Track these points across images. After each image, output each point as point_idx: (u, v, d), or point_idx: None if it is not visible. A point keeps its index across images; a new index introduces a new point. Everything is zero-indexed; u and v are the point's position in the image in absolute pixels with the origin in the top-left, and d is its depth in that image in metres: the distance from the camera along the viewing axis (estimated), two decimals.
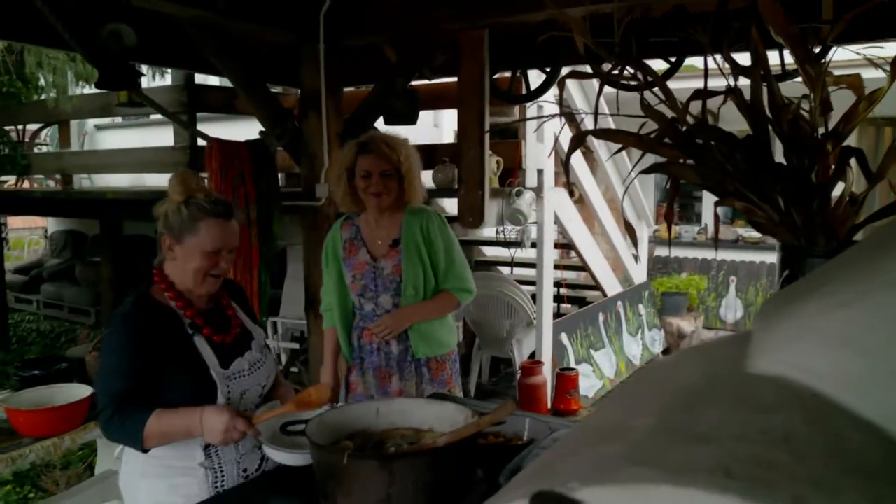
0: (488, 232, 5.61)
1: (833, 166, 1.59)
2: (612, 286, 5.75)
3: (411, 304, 2.43)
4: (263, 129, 3.70)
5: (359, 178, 2.40)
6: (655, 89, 1.74)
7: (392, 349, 2.46)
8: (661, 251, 7.67)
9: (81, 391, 2.29)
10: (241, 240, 3.47)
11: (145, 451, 1.59)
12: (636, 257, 6.35)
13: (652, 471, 0.68)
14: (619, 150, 1.90)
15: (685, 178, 1.78)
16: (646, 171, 1.86)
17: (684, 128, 1.72)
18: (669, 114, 1.74)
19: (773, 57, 2.25)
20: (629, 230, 1.83)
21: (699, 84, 1.74)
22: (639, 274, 6.41)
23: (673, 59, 2.89)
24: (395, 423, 1.54)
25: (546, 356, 4.40)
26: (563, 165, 1.98)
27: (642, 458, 0.73)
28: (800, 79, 1.58)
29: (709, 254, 7.73)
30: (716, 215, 1.78)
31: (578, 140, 1.90)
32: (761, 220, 1.67)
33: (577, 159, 4.94)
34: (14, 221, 12.94)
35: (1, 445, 2.13)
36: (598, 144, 4.94)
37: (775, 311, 1.06)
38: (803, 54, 1.57)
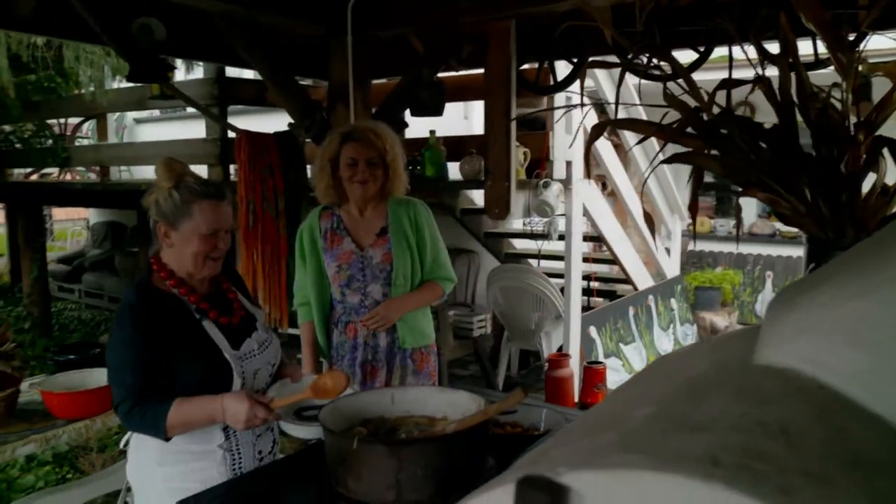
0: (518, 224, 5.60)
1: (864, 156, 1.55)
2: (643, 280, 5.69)
3: (401, 295, 2.40)
4: (292, 121, 3.74)
5: (344, 167, 2.35)
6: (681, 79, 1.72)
7: (380, 342, 2.42)
8: (697, 245, 7.55)
9: None
10: (269, 231, 3.58)
11: (167, 439, 1.61)
12: (668, 251, 6.27)
13: (639, 457, 0.68)
14: (642, 141, 1.88)
15: (708, 169, 1.76)
16: (666, 161, 1.84)
17: (708, 117, 1.70)
18: (694, 103, 1.71)
19: (807, 45, 2.19)
20: (648, 221, 1.81)
21: (725, 74, 1.71)
22: (672, 268, 6.33)
23: (702, 49, 2.83)
24: (409, 411, 1.55)
25: (574, 349, 4.37)
26: (584, 156, 1.96)
27: (633, 445, 0.73)
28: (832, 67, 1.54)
29: (745, 248, 7.58)
30: (738, 206, 1.75)
31: (599, 130, 1.88)
32: (786, 211, 1.64)
33: (609, 152, 4.89)
34: (58, 213, 13.35)
35: (36, 426, 2.21)
36: (629, 137, 4.88)
37: (785, 303, 1.04)
38: (835, 41, 1.53)
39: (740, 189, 1.68)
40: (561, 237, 4.28)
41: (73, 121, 7.69)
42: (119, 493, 2.55)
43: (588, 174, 1.88)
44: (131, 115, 10.31)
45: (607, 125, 1.86)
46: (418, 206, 2.47)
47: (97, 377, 2.33)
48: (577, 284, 4.38)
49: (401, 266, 2.38)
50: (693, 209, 1.87)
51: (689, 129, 1.72)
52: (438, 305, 4.61)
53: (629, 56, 1.81)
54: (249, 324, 1.81)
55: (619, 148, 5.19)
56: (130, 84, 4.37)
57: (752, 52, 1.71)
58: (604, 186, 5.98)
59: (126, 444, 1.82)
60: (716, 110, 1.66)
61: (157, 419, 1.56)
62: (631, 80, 1.97)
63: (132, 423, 1.61)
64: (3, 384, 2.23)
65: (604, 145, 4.74)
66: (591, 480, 0.69)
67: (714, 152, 1.71)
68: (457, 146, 4.47)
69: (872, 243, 1.07)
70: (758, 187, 1.66)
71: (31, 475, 3.60)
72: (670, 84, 1.78)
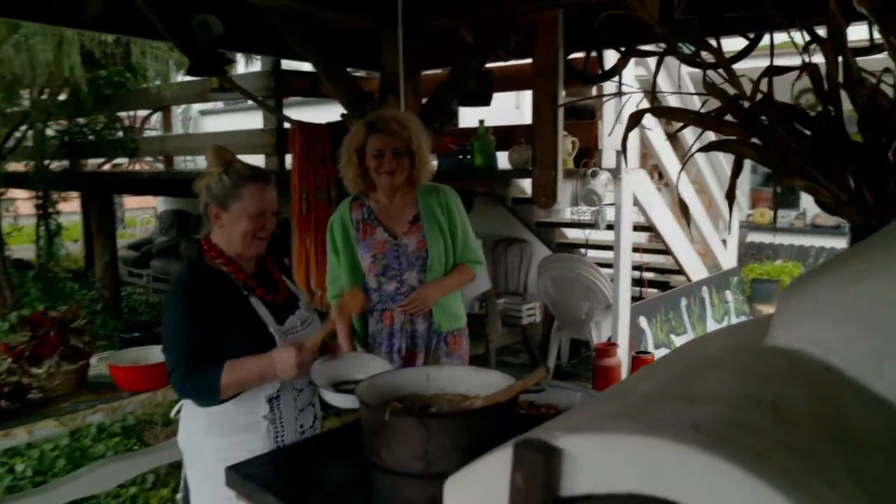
0: (569, 213, 5.59)
1: None
2: (697, 271, 5.60)
3: (436, 280, 2.44)
4: (345, 111, 3.85)
5: (370, 158, 2.38)
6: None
7: (417, 327, 2.46)
8: (757, 237, 7.36)
9: None
10: (321, 218, 3.70)
11: (221, 401, 1.72)
12: (725, 242, 6.15)
13: (628, 423, 0.73)
14: (680, 130, 1.89)
15: (745, 156, 1.76)
16: (703, 150, 1.85)
17: (748, 105, 1.70)
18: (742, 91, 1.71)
19: (862, 30, 2.15)
20: (683, 209, 1.82)
21: (781, 62, 1.70)
22: (728, 260, 6.20)
23: (752, 36, 2.79)
24: (443, 389, 1.62)
25: (622, 339, 4.36)
26: (622, 144, 1.98)
27: (627, 414, 0.78)
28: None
29: (807, 240, 7.35)
30: (775, 193, 1.75)
31: (636, 119, 1.90)
32: (827, 199, 1.62)
33: (663, 143, 4.83)
34: (129, 202, 13.99)
35: (104, 397, 2.39)
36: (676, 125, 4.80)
37: (796, 288, 1.06)
38: (888, 24, 1.51)
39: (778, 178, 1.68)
40: (610, 227, 4.27)
41: (142, 113, 8.06)
42: (181, 463, 2.72)
43: (620, 160, 1.89)
44: (196, 107, 10.69)
45: (644, 114, 1.88)
46: (447, 193, 2.50)
47: (159, 353, 2.47)
48: (625, 274, 4.36)
49: (435, 252, 2.42)
50: (730, 197, 1.87)
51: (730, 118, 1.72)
52: (487, 293, 4.67)
53: (668, 45, 1.82)
54: (293, 303, 1.92)
55: (675, 138, 5.11)
56: (193, 78, 4.57)
57: (796, 38, 1.70)
58: (660, 176, 5.90)
59: (178, 413, 1.96)
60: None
61: (211, 381, 1.67)
62: (683, 68, 1.96)
63: (185, 388, 1.72)
64: (75, 357, 2.41)
65: (657, 135, 4.69)
66: (583, 443, 0.74)
67: (755, 140, 1.71)
68: (507, 135, 4.50)
69: (883, 233, 1.08)
70: (797, 175, 1.65)
71: (102, 445, 3.85)
72: (715, 72, 1.78)
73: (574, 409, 1.08)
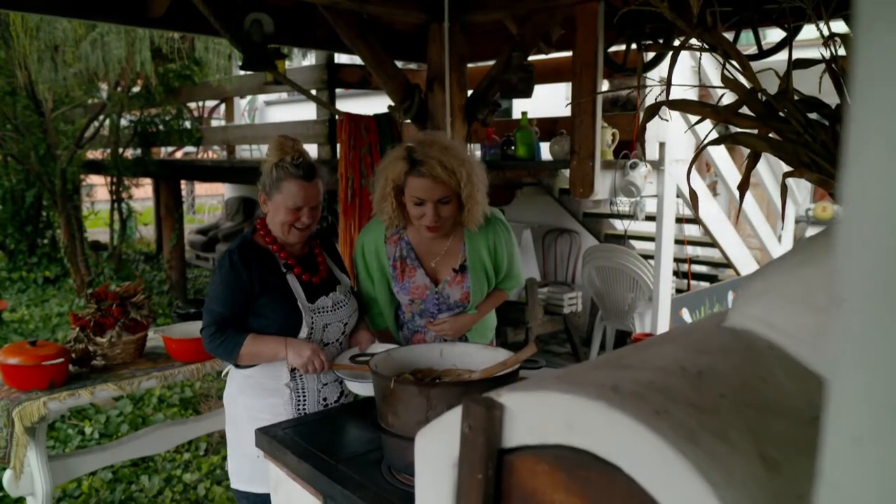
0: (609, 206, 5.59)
1: None
2: (748, 265, 5.53)
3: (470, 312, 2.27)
4: (392, 103, 3.99)
5: (409, 203, 2.07)
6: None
7: None
8: (814, 232, 7.13)
9: None
10: (366, 205, 3.86)
11: (237, 366, 1.94)
12: (780, 238, 6.03)
13: (559, 384, 0.84)
14: (698, 123, 1.93)
15: (755, 148, 1.80)
16: (715, 143, 1.90)
17: (764, 98, 1.74)
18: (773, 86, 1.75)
19: None
20: (693, 198, 1.88)
21: (810, 54, 1.74)
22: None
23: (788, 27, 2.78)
24: (455, 364, 1.74)
25: (662, 329, 4.38)
26: (639, 139, 2.05)
27: (565, 377, 0.90)
28: None
29: None
30: (783, 185, 1.78)
31: (653, 111, 1.96)
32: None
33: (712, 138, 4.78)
34: (199, 190, 14.62)
35: (158, 365, 2.62)
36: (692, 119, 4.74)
37: (756, 272, 1.15)
38: None
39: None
40: (650, 218, 4.28)
41: (210, 104, 8.44)
42: None
43: (644, 155, 1.95)
44: (262, 98, 11.09)
45: (661, 106, 1.94)
46: (497, 229, 2.23)
47: None
48: (666, 265, 4.37)
49: (478, 297, 2.25)
50: (742, 188, 1.92)
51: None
52: (528, 280, 4.76)
53: (682, 39, 1.87)
54: (330, 285, 2.08)
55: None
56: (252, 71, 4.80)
57: (813, 32, 1.73)
58: (708, 169, 5.83)
59: (226, 375, 2.16)
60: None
61: (232, 346, 1.89)
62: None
63: (213, 346, 1.93)
64: (135, 329, 2.65)
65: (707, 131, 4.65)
66: (520, 399, 0.86)
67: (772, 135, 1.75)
68: (552, 127, 4.57)
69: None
70: (808, 168, 1.69)
71: (161, 413, 4.14)
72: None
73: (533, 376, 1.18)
